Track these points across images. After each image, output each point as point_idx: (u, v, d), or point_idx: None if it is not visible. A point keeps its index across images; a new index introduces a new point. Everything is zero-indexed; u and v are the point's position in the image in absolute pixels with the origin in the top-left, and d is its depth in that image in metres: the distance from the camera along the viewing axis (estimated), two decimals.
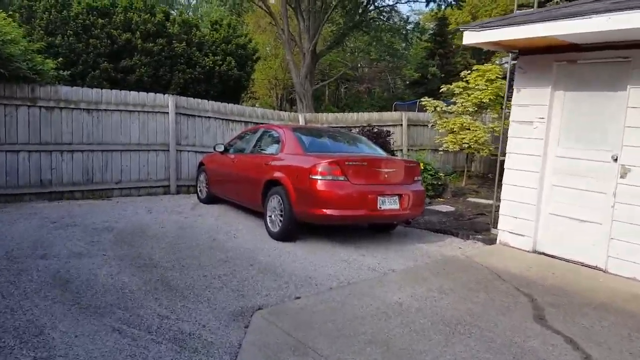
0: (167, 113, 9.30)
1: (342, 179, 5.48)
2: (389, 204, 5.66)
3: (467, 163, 12.79)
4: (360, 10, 27.37)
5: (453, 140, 11.37)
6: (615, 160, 4.82)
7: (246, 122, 10.38)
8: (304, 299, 4.09)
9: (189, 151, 9.68)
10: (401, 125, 12.39)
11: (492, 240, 6.20)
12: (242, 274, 4.66)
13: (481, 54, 42.57)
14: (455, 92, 11.75)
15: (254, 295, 4.16)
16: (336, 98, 40.41)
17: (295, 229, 5.88)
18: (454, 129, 11.39)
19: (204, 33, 18.10)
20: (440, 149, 11.77)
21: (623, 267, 4.75)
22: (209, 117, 9.93)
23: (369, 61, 37.04)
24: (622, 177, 4.72)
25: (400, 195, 5.76)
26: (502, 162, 6.06)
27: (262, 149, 7.05)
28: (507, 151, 5.80)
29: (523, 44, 5.24)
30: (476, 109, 11.51)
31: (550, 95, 5.32)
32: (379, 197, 5.57)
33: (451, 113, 11.80)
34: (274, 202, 6.10)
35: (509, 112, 5.83)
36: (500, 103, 11.62)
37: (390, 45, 30.32)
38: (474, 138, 10.99)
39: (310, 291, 4.29)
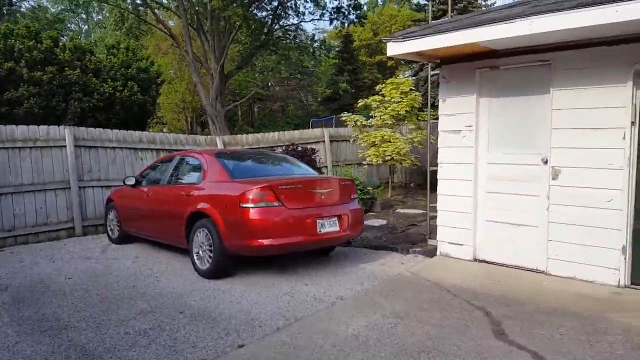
0: (65, 146, 8.27)
1: (277, 204, 5.04)
2: (328, 227, 5.31)
3: (390, 174, 12.91)
4: (265, 30, 27.32)
5: (375, 153, 11.39)
6: (546, 162, 4.88)
7: (158, 150, 9.57)
8: (248, 346, 3.58)
9: (94, 187, 8.68)
10: (323, 141, 12.21)
11: (431, 252, 6.09)
12: (173, 325, 4.03)
13: (386, 68, 44.71)
14: (372, 105, 11.82)
15: (189, 349, 3.58)
16: (250, 118, 39.91)
17: (228, 264, 5.34)
18: (376, 142, 11.42)
19: (99, 58, 16.84)
20: (364, 162, 11.74)
21: (563, 267, 4.80)
22: (114, 148, 9.01)
23: (280, 80, 37.13)
24: (553, 178, 4.79)
25: (339, 216, 5.45)
26: (433, 172, 6.00)
27: (180, 179, 6.41)
28: (438, 161, 5.74)
29: (444, 53, 5.21)
30: (394, 121, 11.66)
31: (476, 103, 5.33)
32: (317, 221, 5.20)
33: (371, 127, 11.86)
34: (200, 237, 5.50)
35: (431, 122, 5.78)
36: (416, 114, 11.92)
37: (299, 64, 30.55)
38: (396, 150, 11.08)
39: (255, 335, 3.79)
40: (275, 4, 26.73)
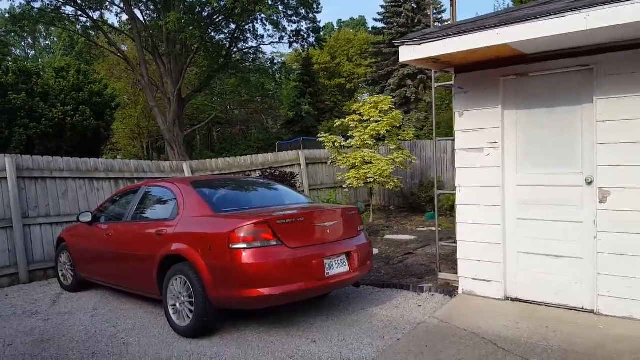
0: (5, 178, 6.99)
1: (275, 243, 4.08)
2: (337, 267, 4.39)
3: (370, 197, 12.16)
4: (223, 53, 26.59)
5: (356, 175, 10.61)
6: (590, 183, 4.20)
7: (117, 180, 8.38)
8: None
9: (41, 224, 7.39)
10: (299, 164, 11.34)
11: (448, 289, 5.28)
12: None
13: (344, 91, 44.66)
14: (351, 125, 11.10)
15: None
16: (209, 142, 38.60)
17: (213, 319, 4.30)
18: (356, 164, 10.65)
19: (47, 82, 15.46)
20: (344, 185, 10.93)
21: (617, 306, 4.07)
22: (66, 178, 7.76)
23: (240, 103, 36.17)
24: (601, 202, 4.09)
25: (348, 254, 4.53)
26: (452, 197, 5.22)
27: (148, 214, 5.34)
28: (456, 184, 4.97)
29: (463, 59, 4.50)
30: (374, 141, 10.97)
31: (501, 116, 4.62)
32: (325, 261, 4.27)
33: (349, 147, 11.11)
34: (177, 286, 4.44)
35: (438, 139, 5.03)
36: (397, 134, 11.27)
37: (260, 86, 29.87)
38: (379, 171, 10.34)
39: None
40: (233, 27, 26.08)
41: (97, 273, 5.88)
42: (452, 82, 5.71)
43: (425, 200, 12.21)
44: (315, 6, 26.50)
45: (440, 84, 5.81)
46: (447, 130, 16.48)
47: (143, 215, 5.32)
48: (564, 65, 4.23)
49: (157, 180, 6.31)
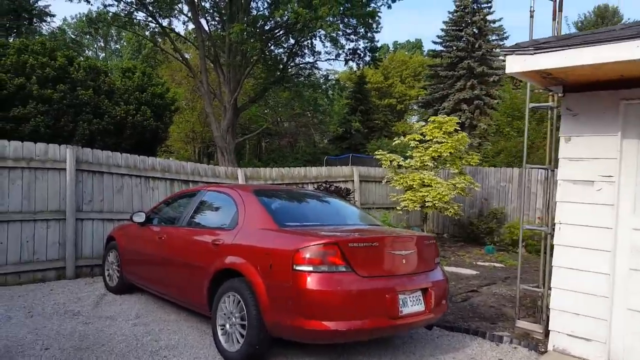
0: (64, 169, 6.86)
1: (344, 269, 3.55)
2: (412, 305, 3.79)
3: (423, 223, 11.45)
4: (280, 66, 26.74)
5: (412, 197, 9.97)
6: None
7: (172, 181, 8.15)
8: None
9: (94, 219, 7.21)
10: (352, 181, 10.82)
11: (528, 341, 4.58)
12: None
13: (395, 112, 43.98)
14: (410, 145, 10.50)
15: None
16: (258, 152, 38.88)
17: (266, 348, 3.80)
18: (413, 186, 10.02)
19: (113, 80, 15.80)
20: (398, 207, 10.30)
21: None
22: (122, 175, 7.59)
23: (291, 116, 36.22)
24: None
25: (424, 290, 3.93)
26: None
27: (205, 221, 4.95)
28: (556, 221, 4.28)
29: (578, 76, 3.86)
30: (435, 163, 10.32)
31: (619, 146, 3.92)
32: (399, 296, 3.69)
33: (406, 168, 10.50)
34: (229, 305, 3.98)
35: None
36: (460, 157, 10.58)
37: (312, 101, 29.80)
38: (438, 196, 9.66)
39: None
40: (292, 42, 26.19)
41: (143, 277, 5.53)
42: (549, 103, 5.06)
43: (485, 232, 11.38)
44: (374, 26, 26.20)
45: (535, 105, 5.14)
46: (509, 159, 15.54)
47: (199, 221, 4.94)
48: None
49: (217, 185, 5.95)
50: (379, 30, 27.11)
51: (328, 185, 8.83)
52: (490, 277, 8.09)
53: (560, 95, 4.34)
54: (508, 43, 37.15)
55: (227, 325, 3.98)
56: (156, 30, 24.74)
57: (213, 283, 4.18)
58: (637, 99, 3.85)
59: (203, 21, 24.08)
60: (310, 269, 3.47)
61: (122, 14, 22.86)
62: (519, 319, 5.12)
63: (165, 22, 24.03)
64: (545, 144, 14.74)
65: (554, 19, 5.20)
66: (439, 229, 12.72)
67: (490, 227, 11.32)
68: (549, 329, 4.30)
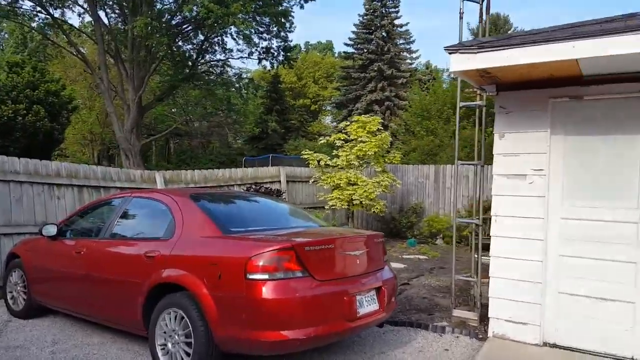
0: None
1: (301, 274, 3.37)
2: (367, 305, 3.72)
3: (349, 220, 11.60)
4: (190, 64, 25.70)
5: (340, 196, 10.04)
6: None
7: (80, 188, 7.36)
8: None
9: None
10: (279, 181, 10.64)
11: (467, 329, 4.75)
12: None
13: (309, 112, 44.43)
14: (336, 144, 10.56)
15: None
16: (166, 154, 36.98)
17: None
18: (340, 185, 10.09)
19: None
20: (326, 206, 10.31)
21: None
22: (21, 182, 6.69)
23: (202, 115, 34.95)
24: None
25: (378, 289, 3.89)
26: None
27: (133, 231, 4.49)
28: (492, 214, 4.46)
29: (514, 75, 4.05)
30: (360, 162, 10.47)
31: (549, 141, 4.17)
32: (356, 297, 3.60)
33: (333, 167, 10.54)
34: (171, 322, 3.63)
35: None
36: (383, 156, 10.84)
37: (225, 100, 29.02)
38: (365, 194, 9.82)
39: None
40: (202, 38, 25.30)
41: (58, 297, 4.90)
42: (477, 102, 5.29)
43: (406, 226, 11.79)
44: (288, 25, 26.12)
45: (465, 104, 5.34)
46: (422, 157, 16.25)
47: (126, 232, 4.47)
48: (625, 89, 3.85)
49: (145, 191, 5.46)
50: (292, 29, 27.11)
51: (258, 187, 8.56)
52: (418, 269, 8.35)
53: (492, 94, 4.52)
54: (414, 47, 39.09)
55: (169, 345, 3.63)
56: (46, 21, 22.42)
57: (149, 299, 3.79)
58: (563, 96, 4.12)
59: (102, 13, 22.33)
60: (266, 277, 3.25)
61: (4, 2, 20.41)
62: (454, 308, 5.29)
63: (57, 13, 21.86)
64: (453, 143, 15.55)
65: (480, 21, 5.45)
66: (363, 225, 12.94)
67: (410, 221, 11.75)
68: (489, 316, 4.47)
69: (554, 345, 4.18)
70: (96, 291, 4.36)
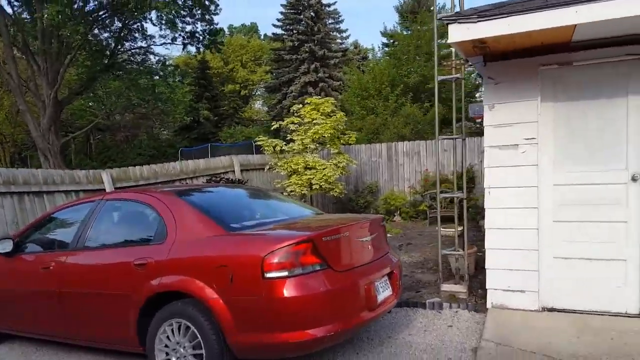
0: None
1: (320, 267, 3.14)
2: (383, 291, 3.57)
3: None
4: (108, 53, 23.97)
5: (298, 181, 9.80)
6: (636, 180, 3.94)
7: (21, 195, 6.55)
8: None
9: None
10: (233, 171, 10.19)
11: (460, 302, 4.79)
12: None
13: (239, 98, 43.29)
14: (290, 128, 10.26)
15: None
16: (88, 151, 34.40)
17: None
18: (298, 170, 9.84)
19: None
20: (285, 193, 10.02)
21: None
22: None
23: (125, 107, 32.86)
24: None
25: (390, 274, 3.74)
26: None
27: (113, 238, 3.98)
28: (485, 186, 4.45)
29: (504, 45, 4.00)
30: (316, 145, 10.26)
31: (539, 109, 4.20)
32: (375, 284, 3.43)
33: (289, 152, 10.26)
34: (174, 334, 3.27)
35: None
36: (338, 137, 10.69)
37: (150, 89, 27.45)
38: (324, 177, 9.65)
39: None
40: (120, 25, 23.63)
41: (21, 321, 4.30)
42: (455, 75, 5.24)
43: (363, 206, 11.81)
44: (212, 8, 25.01)
45: (443, 77, 5.26)
46: (368, 136, 16.28)
47: (104, 240, 3.94)
48: (611, 53, 3.93)
49: (120, 192, 4.93)
50: (218, 12, 26.07)
51: (218, 179, 8.10)
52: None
53: (477, 65, 4.47)
54: (343, 27, 38.96)
55: (174, 359, 3.27)
56: None
57: (144, 312, 3.39)
58: (553, 64, 4.15)
59: (4, 1, 20.12)
60: (285, 273, 2.99)
61: None
62: (442, 284, 5.30)
63: None
64: (395, 120, 15.63)
65: None
66: (320, 208, 12.80)
67: (367, 200, 11.79)
68: (487, 287, 4.49)
69: (552, 309, 4.28)
70: (73, 309, 3.85)
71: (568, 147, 4.19)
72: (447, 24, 3.67)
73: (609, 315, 4.08)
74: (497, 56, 4.26)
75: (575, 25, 3.43)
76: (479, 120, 13.91)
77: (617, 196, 4.04)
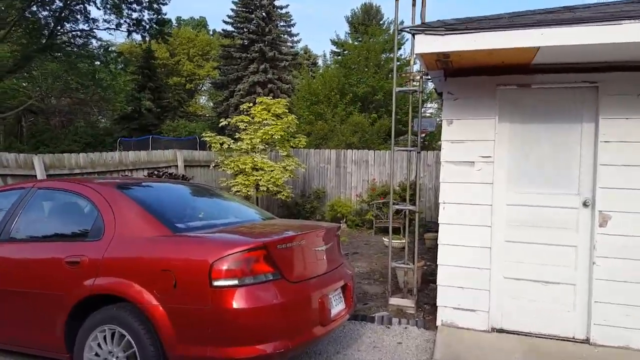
0: None
1: (272, 276, 2.93)
2: (336, 305, 3.40)
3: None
4: (46, 32, 22.53)
5: (245, 182, 9.49)
6: (587, 206, 4.05)
7: None
8: None
9: None
10: (177, 166, 9.70)
11: (409, 318, 4.74)
12: None
13: (184, 91, 41.99)
14: (240, 127, 9.94)
15: None
16: (18, 134, 32.03)
17: None
18: (245, 169, 9.53)
19: None
20: (230, 192, 9.67)
21: (612, 335, 3.95)
22: None
23: (63, 91, 30.89)
24: (601, 225, 3.96)
25: (344, 287, 3.58)
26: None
27: (43, 231, 3.57)
28: (440, 201, 4.43)
29: (465, 60, 4.00)
30: (265, 146, 10.00)
31: (496, 128, 4.24)
32: (328, 297, 3.26)
33: (236, 151, 9.92)
34: (106, 342, 2.94)
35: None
36: (288, 140, 10.49)
37: (90, 75, 26.04)
38: (272, 179, 9.42)
39: None
40: (60, 5, 22.26)
41: None
42: (414, 87, 5.23)
43: (309, 211, 11.67)
44: None
45: (401, 89, 5.23)
46: (317, 141, 16.17)
47: (33, 232, 3.52)
48: (568, 79, 4.04)
49: (54, 180, 4.50)
50: (167, 2, 25.22)
51: (161, 173, 7.63)
52: None
53: (437, 79, 4.47)
54: (294, 31, 38.84)
55: None
56: None
57: (73, 315, 3.03)
58: (512, 84, 4.20)
59: None
60: (235, 282, 2.75)
61: None
62: (391, 297, 5.25)
63: None
64: (343, 128, 15.61)
65: (413, 5, 5.34)
66: (266, 211, 12.53)
67: (314, 206, 11.66)
68: (437, 304, 4.45)
69: (501, 330, 4.29)
70: None
71: (523, 167, 4.26)
72: (414, 34, 3.60)
73: (557, 339, 4.12)
74: (458, 72, 4.26)
75: (539, 47, 3.47)
76: (423, 134, 14.28)
77: (568, 220, 4.13)
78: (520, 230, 4.25)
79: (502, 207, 4.29)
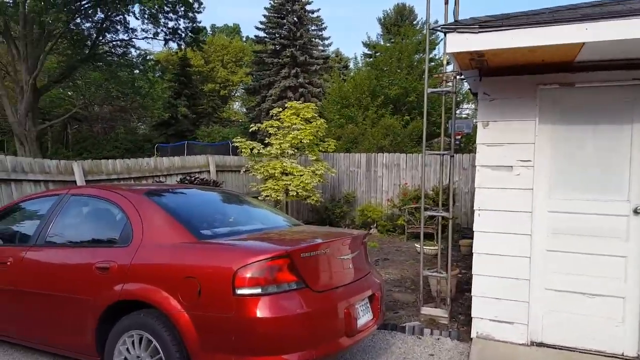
0: None
1: (296, 285, 2.83)
2: (363, 316, 3.27)
3: (282, 211, 11.05)
4: (89, 43, 23.40)
5: (275, 187, 9.47)
6: (638, 213, 3.76)
7: None
8: None
9: None
10: (208, 171, 9.79)
11: (441, 328, 4.54)
12: None
13: (218, 97, 42.67)
14: (269, 132, 9.94)
15: None
16: (65, 141, 33.34)
17: None
18: (275, 174, 9.50)
19: None
20: (260, 197, 9.66)
21: None
22: None
23: (104, 99, 31.97)
24: None
25: (371, 297, 3.44)
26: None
27: (76, 236, 3.62)
28: (475, 207, 4.22)
29: (501, 60, 3.80)
30: (294, 150, 9.95)
31: (536, 131, 4.01)
32: (355, 307, 3.13)
33: (266, 156, 9.91)
34: (134, 347, 2.93)
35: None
36: (317, 144, 10.41)
37: (130, 83, 26.83)
38: (302, 184, 9.35)
39: None
40: (102, 16, 23.05)
41: None
42: (447, 89, 5.04)
43: (339, 216, 11.53)
44: (196, 5, 24.60)
45: (434, 90, 5.06)
46: (347, 145, 16.04)
47: (67, 238, 3.59)
48: (617, 77, 3.76)
49: (87, 187, 4.56)
50: (201, 10, 25.66)
51: (193, 179, 7.69)
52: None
53: (472, 80, 4.28)
54: (326, 34, 38.89)
55: None
56: None
57: (104, 319, 3.03)
58: (554, 84, 3.96)
59: None
60: (259, 291, 2.67)
61: None
62: (422, 306, 5.06)
63: None
64: (374, 131, 15.40)
65: (446, 3, 5.15)
66: (295, 215, 12.48)
67: (343, 210, 11.52)
68: (473, 315, 4.25)
69: (541, 344, 4.04)
70: (30, 310, 3.48)
71: (565, 172, 4.00)
72: (446, 32, 3.43)
73: (604, 355, 3.84)
74: (494, 71, 4.05)
75: (584, 43, 3.24)
76: (459, 136, 13.88)
77: (616, 228, 3.84)
78: (562, 239, 3.99)
79: (543, 215, 4.04)
